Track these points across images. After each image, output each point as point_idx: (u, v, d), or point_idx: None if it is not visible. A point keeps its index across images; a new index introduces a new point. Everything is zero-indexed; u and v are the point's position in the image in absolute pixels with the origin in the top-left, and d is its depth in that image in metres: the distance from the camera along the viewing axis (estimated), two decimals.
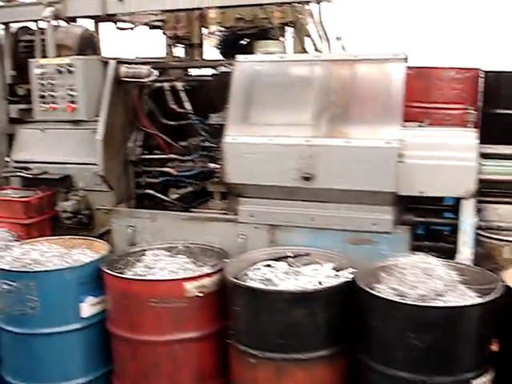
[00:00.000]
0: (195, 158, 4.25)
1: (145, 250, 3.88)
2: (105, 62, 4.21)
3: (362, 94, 3.65)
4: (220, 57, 4.80)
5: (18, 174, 4.52)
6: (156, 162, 4.39)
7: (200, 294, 3.40)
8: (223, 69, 4.08)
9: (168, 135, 4.39)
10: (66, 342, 3.60)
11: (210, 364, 3.55)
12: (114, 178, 4.16)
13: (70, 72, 4.06)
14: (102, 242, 4.03)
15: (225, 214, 3.98)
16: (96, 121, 4.19)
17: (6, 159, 4.77)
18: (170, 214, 4.07)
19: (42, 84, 4.17)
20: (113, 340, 3.61)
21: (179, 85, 4.21)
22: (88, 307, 3.62)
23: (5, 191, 4.60)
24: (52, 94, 4.15)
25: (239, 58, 3.83)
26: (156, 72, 4.12)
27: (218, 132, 4.02)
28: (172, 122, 4.40)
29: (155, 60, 4.41)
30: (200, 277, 3.42)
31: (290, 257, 3.69)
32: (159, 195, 4.35)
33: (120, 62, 4.16)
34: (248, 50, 4.45)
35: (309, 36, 4.36)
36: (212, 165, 4.24)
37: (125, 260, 3.79)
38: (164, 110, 4.38)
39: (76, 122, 4.52)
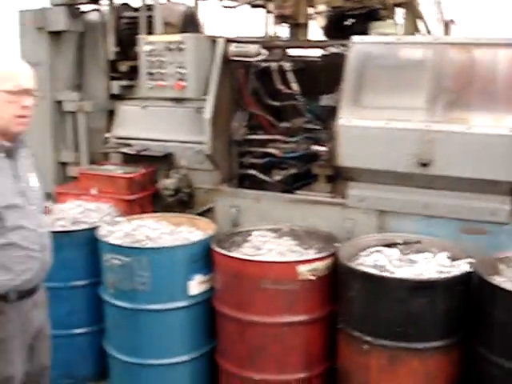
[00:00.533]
0: (300, 140, 4.18)
1: (250, 231, 3.86)
2: (213, 41, 4.18)
3: (482, 80, 3.50)
4: (323, 38, 4.71)
5: (121, 149, 4.56)
6: (258, 142, 4.35)
7: (312, 278, 3.36)
8: (333, 49, 3.98)
9: (271, 116, 4.33)
10: (172, 319, 3.62)
11: (317, 348, 3.52)
12: (219, 158, 4.15)
13: (180, 50, 4.05)
14: (206, 220, 4.04)
15: (332, 197, 3.91)
16: (203, 99, 4.18)
17: (106, 135, 4.82)
18: (276, 196, 4.03)
19: (151, 61, 4.17)
20: (220, 319, 3.61)
21: (287, 65, 4.14)
22: (196, 285, 3.63)
23: (105, 166, 4.66)
24: (160, 71, 4.15)
25: (355, 38, 3.74)
26: (265, 51, 4.06)
27: (328, 114, 3.95)
28: (276, 103, 4.34)
29: (263, 39, 4.35)
30: (313, 260, 3.38)
31: (400, 244, 3.60)
32: (262, 176, 4.31)
33: (229, 40, 4.11)
34: (354, 31, 4.34)
35: (421, 18, 4.21)
36: (315, 147, 4.17)
37: (232, 239, 3.79)
38: (268, 90, 4.33)
39: (178, 101, 4.52)
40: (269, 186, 4.37)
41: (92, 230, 3.86)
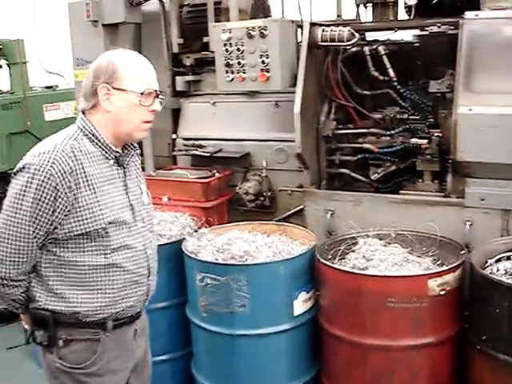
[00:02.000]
0: (397, 133, 3.71)
1: (355, 238, 3.40)
2: (296, 25, 3.71)
3: None
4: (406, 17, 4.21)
5: (193, 152, 4.12)
6: (349, 137, 3.88)
7: (442, 293, 2.90)
8: (434, 29, 3.50)
9: (361, 107, 3.86)
10: (276, 344, 3.17)
11: (446, 370, 3.06)
12: (308, 156, 3.69)
13: (263, 36, 3.58)
14: (299, 228, 3.59)
15: (447, 196, 3.43)
16: (285, 92, 3.72)
17: (173, 136, 4.38)
18: (379, 197, 3.56)
19: (228, 51, 3.71)
20: (330, 341, 3.16)
21: (381, 49, 3.67)
22: (300, 304, 3.18)
23: (174, 171, 4.22)
24: (240, 61, 3.68)
25: (468, 15, 3.25)
26: (357, 35, 3.59)
27: (436, 102, 3.48)
28: (367, 92, 3.87)
29: (353, 22, 3.87)
30: (444, 272, 2.91)
31: None
32: (356, 175, 3.85)
33: (313, 24, 3.64)
34: (448, 8, 3.85)
35: None
36: (415, 140, 3.69)
37: (335, 249, 3.33)
38: (358, 78, 3.86)
39: (252, 94, 4.08)
40: (363, 186, 3.91)
41: (175, 245, 3.42)
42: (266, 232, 3.60)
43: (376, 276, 2.92)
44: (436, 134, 3.57)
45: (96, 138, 2.15)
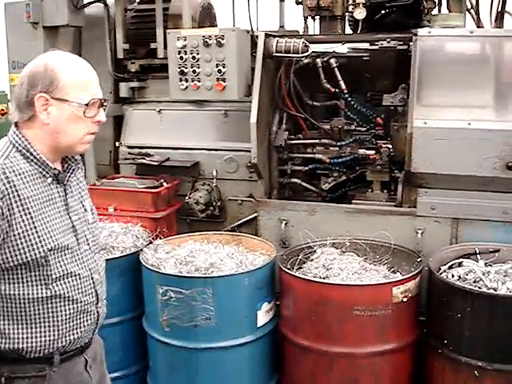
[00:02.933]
0: (348, 144, 3.79)
1: (310, 247, 3.44)
2: (251, 35, 3.72)
3: None
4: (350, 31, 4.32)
5: (141, 160, 4.01)
6: (299, 147, 3.92)
7: (405, 299, 2.99)
8: (385, 44, 3.62)
9: (311, 118, 3.92)
10: (239, 357, 3.15)
11: (406, 375, 3.17)
12: (262, 166, 3.69)
13: (219, 45, 3.55)
14: (256, 238, 3.59)
15: (398, 205, 3.55)
16: (235, 101, 3.74)
17: (116, 144, 4.25)
18: (333, 207, 3.62)
19: (183, 58, 3.65)
20: (293, 351, 3.18)
21: (333, 62, 3.74)
22: (263, 315, 3.18)
23: (120, 180, 4.09)
24: (196, 69, 3.63)
25: (420, 31, 3.38)
26: (311, 47, 3.64)
27: (388, 114, 3.60)
28: (317, 103, 3.93)
29: (306, 34, 3.92)
30: (406, 280, 3.00)
31: (477, 253, 3.30)
32: (307, 185, 3.89)
33: (268, 34, 3.66)
34: (395, 24, 3.99)
35: (470, 10, 3.91)
36: (362, 150, 3.79)
37: (293, 258, 3.36)
38: (308, 89, 3.91)
39: (200, 103, 4.06)
40: (311, 195, 3.97)
41: (131, 257, 3.33)
42: (221, 242, 3.57)
43: (342, 285, 2.97)
44: (385, 146, 3.68)
45: (31, 154, 1.90)
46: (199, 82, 3.64)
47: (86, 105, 1.89)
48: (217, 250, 3.29)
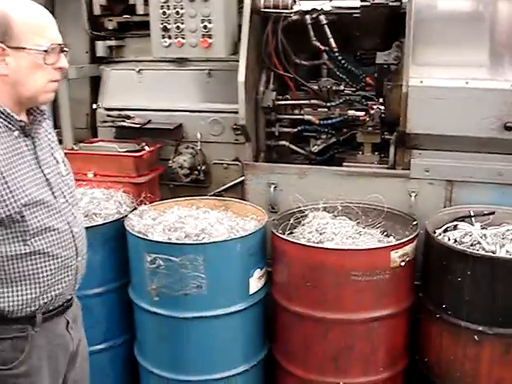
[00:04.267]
0: (337, 105, 3.67)
1: (302, 212, 3.33)
2: None
3: None
4: None
5: (121, 123, 3.82)
6: (285, 108, 3.77)
7: (403, 264, 2.92)
8: (376, 0, 3.47)
9: (299, 77, 3.77)
10: (231, 325, 3.04)
11: (402, 342, 3.11)
12: (249, 128, 3.54)
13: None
14: (244, 202, 3.46)
15: (391, 168, 3.45)
16: (220, 60, 3.57)
17: (93, 106, 4.04)
18: (324, 170, 3.50)
19: (166, 14, 3.44)
20: (288, 318, 3.09)
21: (323, 18, 3.58)
22: (255, 282, 3.07)
23: (99, 144, 3.90)
24: (179, 25, 3.43)
25: None
26: (301, 2, 3.48)
27: (382, 73, 3.47)
28: (306, 62, 3.78)
29: None
30: (404, 243, 2.92)
31: (473, 216, 3.23)
32: (296, 147, 3.76)
33: None
34: None
35: None
36: (352, 112, 3.67)
37: (284, 223, 3.24)
38: (297, 47, 3.75)
39: (181, 62, 3.86)
40: (299, 158, 3.85)
41: (115, 224, 3.18)
42: (208, 207, 3.43)
43: (339, 250, 2.87)
44: (376, 107, 3.56)
45: None
46: (183, 38, 3.44)
47: (45, 51, 1.83)
48: (206, 215, 3.15)
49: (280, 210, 3.50)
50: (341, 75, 3.75)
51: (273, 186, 3.54)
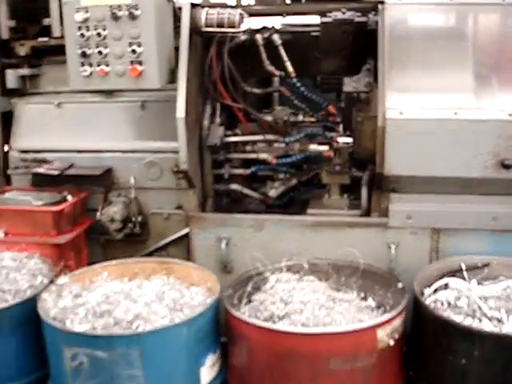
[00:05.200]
0: (297, 139, 3.09)
1: (260, 274, 2.72)
2: (173, 6, 2.91)
3: None
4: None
5: (36, 170, 3.13)
6: (236, 145, 3.17)
7: (392, 342, 2.34)
8: (339, 16, 2.92)
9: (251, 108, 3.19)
10: None
11: None
12: (193, 172, 2.92)
13: (133, 17, 2.71)
14: (191, 265, 2.83)
15: (363, 215, 2.89)
16: (154, 90, 2.93)
17: (5, 148, 3.35)
18: (285, 220, 2.91)
19: (85, 36, 2.78)
20: None
21: (277, 38, 3.00)
22: (208, 371, 2.45)
23: (10, 195, 3.20)
24: (102, 50, 2.78)
25: None
26: (249, 19, 2.89)
27: (350, 102, 2.91)
28: (257, 90, 3.19)
29: (242, 5, 3.11)
30: (394, 317, 2.34)
31: (465, 270, 2.70)
32: (249, 192, 3.16)
33: (195, 4, 2.87)
34: None
35: None
36: (314, 146, 3.11)
37: (241, 290, 2.63)
38: (245, 72, 3.16)
39: (109, 93, 3.22)
40: (254, 202, 3.24)
41: (26, 305, 2.49)
42: (146, 272, 2.78)
43: (315, 334, 2.25)
44: (342, 141, 3.01)
45: None
46: (107, 66, 2.79)
47: None
48: (142, 289, 2.50)
49: (234, 270, 2.92)
50: (298, 104, 3.17)
51: (224, 242, 2.94)
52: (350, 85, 2.82)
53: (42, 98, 3.36)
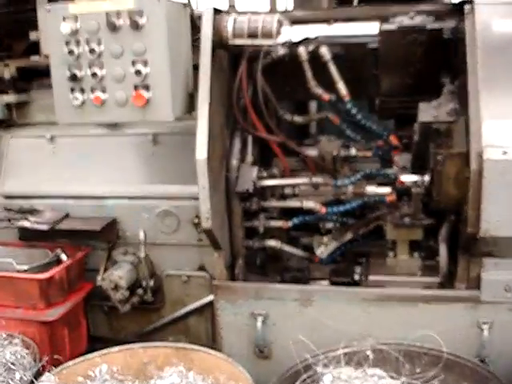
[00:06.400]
0: (354, 181, 2.39)
1: (309, 367, 2.02)
2: (191, 13, 2.25)
3: None
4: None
5: (22, 223, 2.48)
6: (273, 190, 2.48)
7: None
8: (405, 21, 2.23)
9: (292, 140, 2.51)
10: None
11: None
12: (217, 227, 2.22)
13: (136, 27, 2.04)
14: (212, 352, 2.13)
15: (443, 284, 2.18)
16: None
17: None
18: (342, 292, 2.20)
19: (74, 53, 2.12)
20: None
21: (325, 52, 2.30)
22: None
23: None
24: (97, 72, 2.12)
25: None
26: (289, 27, 2.21)
27: (425, 135, 2.20)
28: (299, 119, 2.51)
29: (278, 11, 2.44)
30: None
31: None
32: (292, 249, 2.48)
33: (219, 10, 2.20)
34: None
35: None
36: (372, 189, 2.41)
37: None
38: (283, 97, 2.48)
39: (113, 124, 2.57)
40: (298, 261, 2.55)
41: None
42: (158, 361, 2.11)
43: None
44: (410, 180, 2.30)
45: None
46: (104, 92, 2.13)
47: None
48: None
49: (273, 355, 2.22)
50: (351, 134, 2.49)
51: (260, 319, 2.23)
52: (429, 113, 2.10)
53: (32, 131, 2.76)
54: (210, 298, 2.48)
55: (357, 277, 2.48)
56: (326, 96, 2.34)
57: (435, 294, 2.16)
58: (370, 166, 2.52)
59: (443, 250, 2.25)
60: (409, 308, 2.16)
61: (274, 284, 2.30)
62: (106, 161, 2.61)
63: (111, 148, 2.62)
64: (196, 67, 2.23)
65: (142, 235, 2.51)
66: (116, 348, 2.16)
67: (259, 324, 2.24)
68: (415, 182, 2.28)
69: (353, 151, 2.51)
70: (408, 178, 2.32)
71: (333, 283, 2.52)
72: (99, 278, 2.48)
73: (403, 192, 2.37)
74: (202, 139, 2.09)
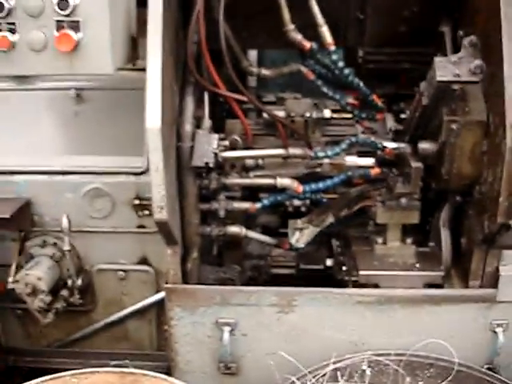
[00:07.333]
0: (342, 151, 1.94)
1: None
2: None
3: None
4: None
5: None
6: (233, 163, 1.99)
7: None
8: None
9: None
10: None
11: None
12: (169, 212, 1.70)
13: None
14: (169, 379, 1.65)
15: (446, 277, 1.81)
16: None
17: None
18: (331, 294, 1.76)
19: None
20: None
21: None
22: None
23: None
24: (2, 1, 1.50)
25: None
26: None
27: (436, 97, 1.75)
28: (267, 71, 2.01)
29: None
30: None
31: None
32: (260, 236, 2.01)
33: None
34: None
35: None
36: (352, 159, 1.99)
37: None
38: (250, 44, 1.98)
39: (23, 77, 1.97)
40: (261, 247, 2.11)
41: None
42: None
43: None
44: (401, 147, 1.90)
45: None
46: (13, 32, 1.52)
47: None
48: None
49: (242, 371, 1.76)
50: (328, 92, 2.01)
51: (227, 329, 1.76)
52: (448, 70, 1.64)
53: None
54: (156, 297, 1.99)
55: (329, 262, 2.11)
56: (307, 44, 1.84)
57: (442, 294, 1.77)
58: (344, 131, 2.09)
59: (446, 237, 1.86)
60: (413, 311, 1.77)
61: (245, 286, 1.82)
62: (14, 125, 2.00)
63: (21, 107, 2.01)
64: (140, 3, 1.67)
65: (65, 221, 1.94)
66: (38, 380, 1.62)
67: (226, 335, 1.77)
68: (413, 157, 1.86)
69: (327, 112, 2.05)
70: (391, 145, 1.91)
71: (300, 270, 2.13)
72: (10, 279, 1.91)
73: (390, 164, 1.96)
74: (155, 100, 1.54)
